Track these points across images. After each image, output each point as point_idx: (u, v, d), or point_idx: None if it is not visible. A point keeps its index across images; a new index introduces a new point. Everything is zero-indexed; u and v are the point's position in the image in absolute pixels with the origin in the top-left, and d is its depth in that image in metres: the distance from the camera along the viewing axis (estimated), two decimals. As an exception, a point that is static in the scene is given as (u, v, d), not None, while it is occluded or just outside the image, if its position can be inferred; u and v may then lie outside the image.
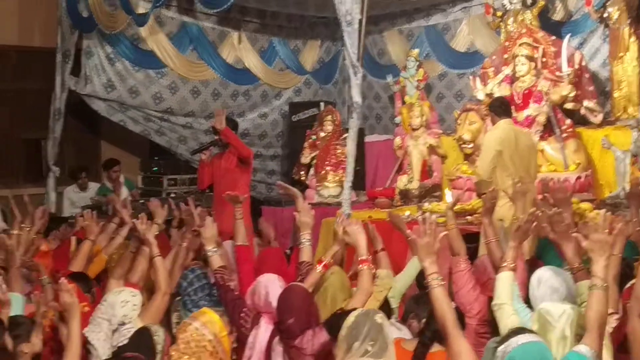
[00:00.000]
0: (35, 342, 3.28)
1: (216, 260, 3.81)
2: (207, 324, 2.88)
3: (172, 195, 8.06)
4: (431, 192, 7.56)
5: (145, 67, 8.60)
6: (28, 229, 4.50)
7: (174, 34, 8.75)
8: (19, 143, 8.93)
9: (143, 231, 3.89)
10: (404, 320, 3.69)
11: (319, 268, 3.70)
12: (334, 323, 3.04)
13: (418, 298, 3.64)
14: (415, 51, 8.63)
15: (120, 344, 3.27)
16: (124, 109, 8.68)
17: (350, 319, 2.81)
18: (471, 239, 4.73)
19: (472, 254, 4.34)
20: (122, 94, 8.51)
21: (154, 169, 9.19)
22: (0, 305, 3.43)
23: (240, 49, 9.23)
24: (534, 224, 3.34)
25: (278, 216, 7.58)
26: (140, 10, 7.87)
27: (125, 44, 8.44)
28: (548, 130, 6.97)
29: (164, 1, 7.83)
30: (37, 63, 8.76)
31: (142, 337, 3.18)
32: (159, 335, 3.17)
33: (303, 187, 7.72)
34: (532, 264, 3.83)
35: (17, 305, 3.53)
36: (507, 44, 7.46)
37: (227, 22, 9.11)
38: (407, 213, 6.56)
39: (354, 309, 2.94)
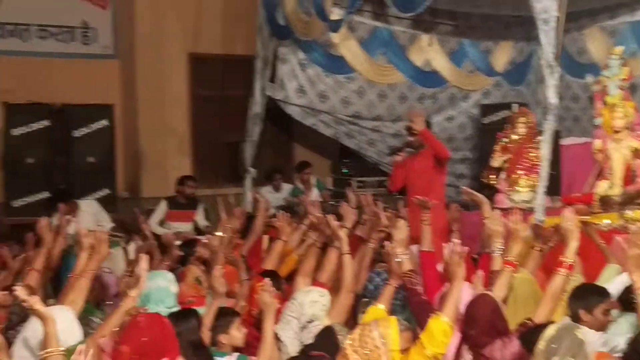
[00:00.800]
0: (235, 335, 3.46)
1: (405, 264, 3.77)
2: (384, 335, 2.88)
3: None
4: (634, 199, 7.01)
5: (335, 73, 8.79)
6: (230, 228, 4.80)
7: (365, 39, 8.86)
8: (222, 146, 9.53)
9: (334, 227, 3.95)
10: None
11: (506, 268, 3.57)
12: (529, 336, 2.91)
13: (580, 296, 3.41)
14: (619, 48, 8.04)
15: (307, 341, 3.36)
16: (316, 112, 8.95)
17: (550, 332, 2.68)
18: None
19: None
20: (312, 99, 8.76)
21: (344, 171, 9.40)
22: (215, 292, 3.66)
23: (429, 52, 9.17)
24: None
25: (465, 220, 7.40)
26: (334, 16, 8.04)
27: (317, 51, 8.67)
28: None
29: (358, 7, 7.97)
30: (238, 70, 9.29)
31: (327, 337, 3.25)
32: (343, 335, 3.22)
33: (492, 191, 7.49)
34: None
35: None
36: None
37: (418, 25, 9.07)
38: (607, 221, 6.15)
39: (551, 322, 2.79)
